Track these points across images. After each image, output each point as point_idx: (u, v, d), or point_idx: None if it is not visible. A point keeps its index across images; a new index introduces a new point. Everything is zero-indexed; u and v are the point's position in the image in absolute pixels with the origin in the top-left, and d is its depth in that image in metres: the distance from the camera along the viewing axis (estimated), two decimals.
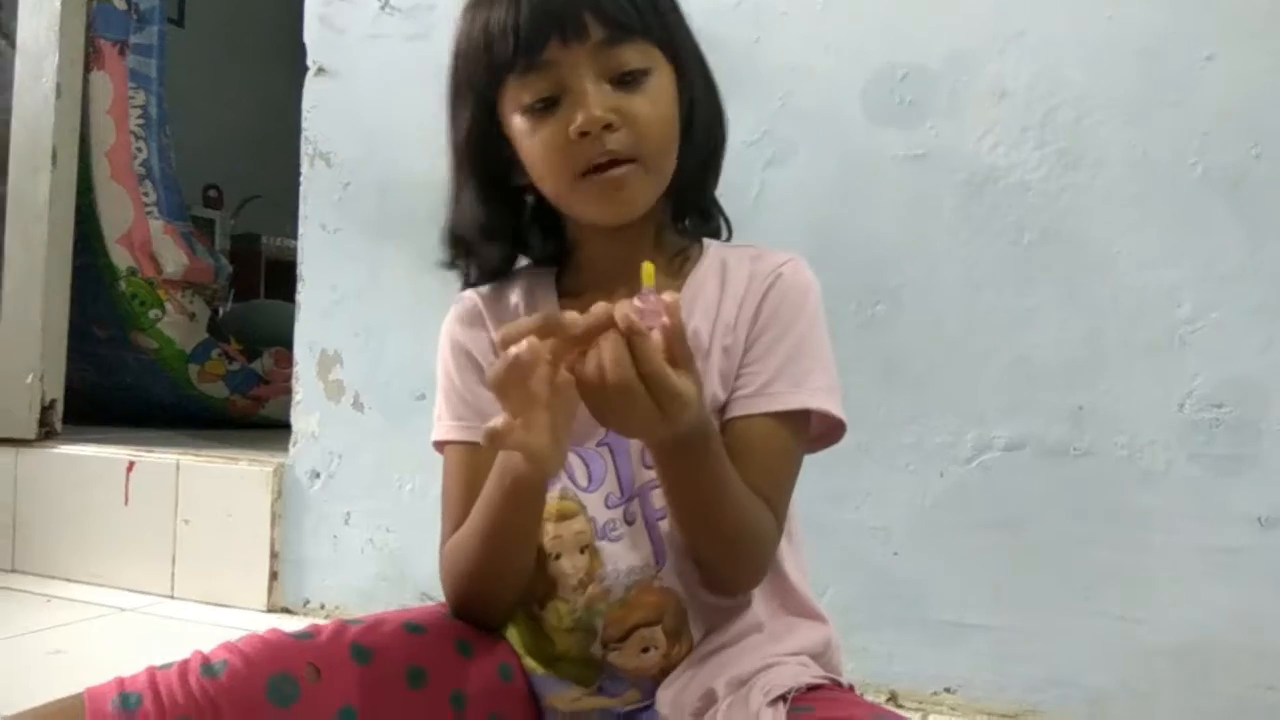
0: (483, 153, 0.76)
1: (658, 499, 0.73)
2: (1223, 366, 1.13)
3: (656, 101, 0.72)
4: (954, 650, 1.22)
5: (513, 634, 0.78)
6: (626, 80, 0.70)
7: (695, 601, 0.74)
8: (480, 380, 0.77)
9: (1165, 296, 1.15)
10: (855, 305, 1.27)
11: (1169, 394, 1.15)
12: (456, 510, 0.76)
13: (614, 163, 0.70)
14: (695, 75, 0.77)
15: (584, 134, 0.68)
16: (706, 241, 0.82)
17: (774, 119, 1.32)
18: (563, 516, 0.75)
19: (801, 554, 0.80)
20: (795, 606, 0.78)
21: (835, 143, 1.30)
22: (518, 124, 0.72)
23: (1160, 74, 1.16)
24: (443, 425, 0.79)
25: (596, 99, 0.69)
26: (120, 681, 0.63)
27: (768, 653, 0.73)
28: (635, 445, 0.74)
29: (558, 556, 0.75)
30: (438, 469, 0.80)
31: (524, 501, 0.70)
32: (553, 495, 0.75)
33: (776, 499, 0.73)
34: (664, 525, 0.73)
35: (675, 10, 0.77)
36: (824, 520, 1.23)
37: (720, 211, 0.83)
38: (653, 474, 0.72)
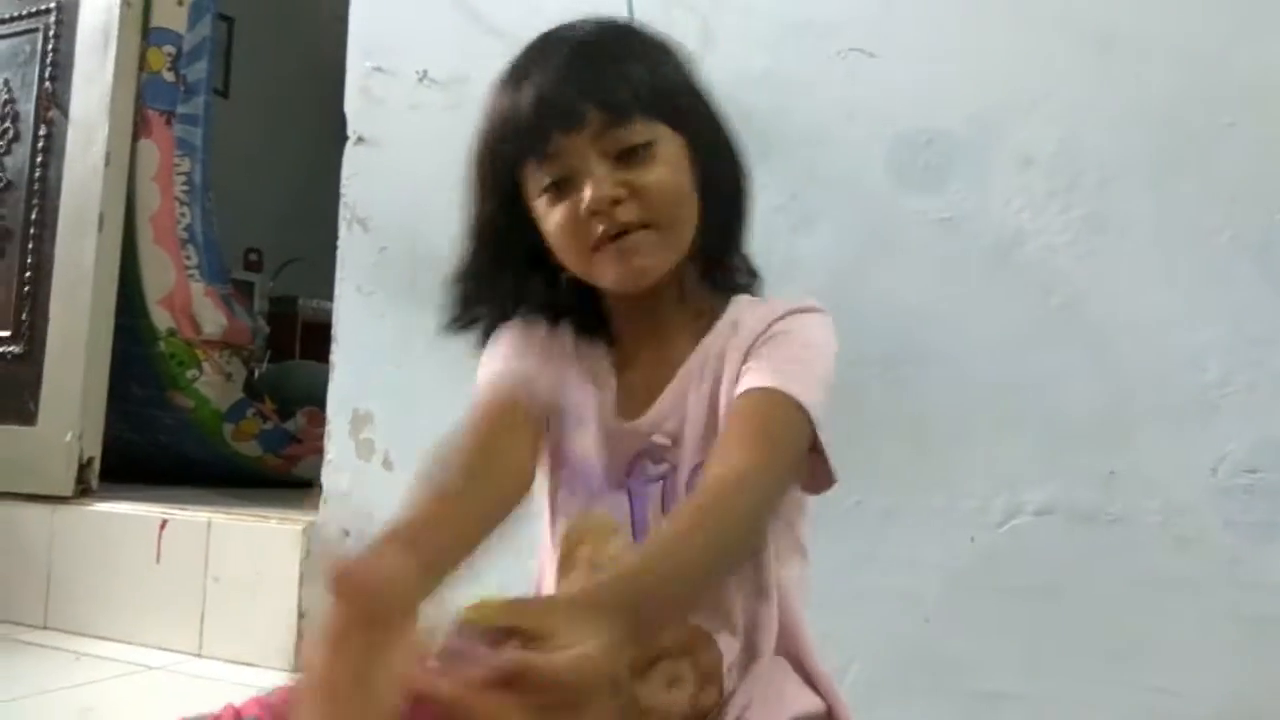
0: (513, 232, 0.80)
1: None
2: (1256, 430, 1.11)
3: (663, 169, 0.75)
4: None
5: None
6: (630, 155, 0.74)
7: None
8: (535, 361, 0.81)
9: (1195, 360, 1.15)
10: (882, 369, 1.27)
11: (1202, 459, 1.13)
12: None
13: (625, 232, 0.73)
14: (710, 139, 0.79)
15: (594, 212, 0.73)
16: (735, 299, 0.83)
17: (800, 184, 1.34)
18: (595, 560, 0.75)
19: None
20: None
21: (861, 208, 1.32)
22: (540, 207, 0.77)
23: (1183, 139, 1.17)
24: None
25: (601, 179, 0.73)
26: None
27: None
28: (654, 491, 0.76)
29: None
30: None
31: None
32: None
33: (763, 449, 0.69)
34: None
35: (682, 83, 0.79)
36: (852, 586, 1.22)
37: (750, 268, 0.85)
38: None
